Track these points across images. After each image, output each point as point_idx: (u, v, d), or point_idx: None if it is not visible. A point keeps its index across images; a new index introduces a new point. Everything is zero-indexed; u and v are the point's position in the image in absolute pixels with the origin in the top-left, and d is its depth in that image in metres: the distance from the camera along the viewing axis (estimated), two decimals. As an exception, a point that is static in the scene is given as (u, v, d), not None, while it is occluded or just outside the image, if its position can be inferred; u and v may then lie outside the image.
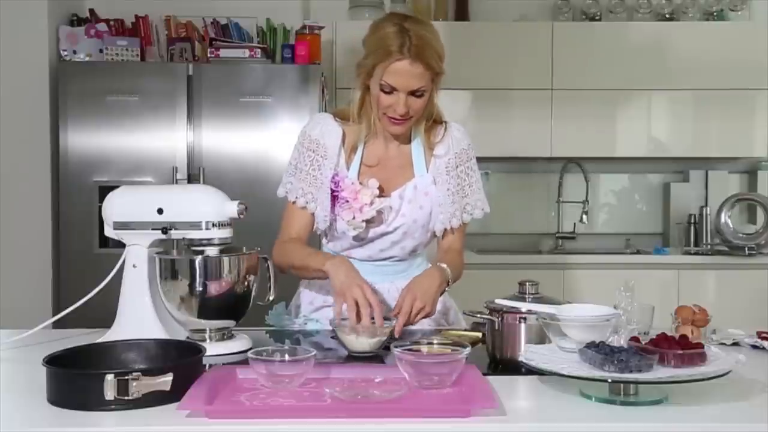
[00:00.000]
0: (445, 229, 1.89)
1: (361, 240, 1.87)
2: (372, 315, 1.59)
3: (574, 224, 4.40)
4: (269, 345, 1.37)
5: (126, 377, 1.15)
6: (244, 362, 1.34)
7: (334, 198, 1.84)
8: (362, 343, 1.56)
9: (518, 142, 4.11)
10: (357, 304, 1.61)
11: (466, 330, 1.75)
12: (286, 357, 1.30)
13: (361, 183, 1.83)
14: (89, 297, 1.60)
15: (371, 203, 1.81)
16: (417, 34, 1.72)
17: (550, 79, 4.09)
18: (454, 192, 1.88)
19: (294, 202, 1.87)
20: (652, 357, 1.21)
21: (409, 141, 1.90)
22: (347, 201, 1.82)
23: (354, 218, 1.81)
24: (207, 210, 1.59)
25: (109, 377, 1.15)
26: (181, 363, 1.29)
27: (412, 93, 1.75)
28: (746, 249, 3.96)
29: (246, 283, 1.59)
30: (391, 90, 1.75)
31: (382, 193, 1.85)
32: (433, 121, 1.90)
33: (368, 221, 1.83)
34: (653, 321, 1.59)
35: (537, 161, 4.33)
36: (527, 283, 1.53)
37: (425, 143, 1.89)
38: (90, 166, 3.51)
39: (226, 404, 1.19)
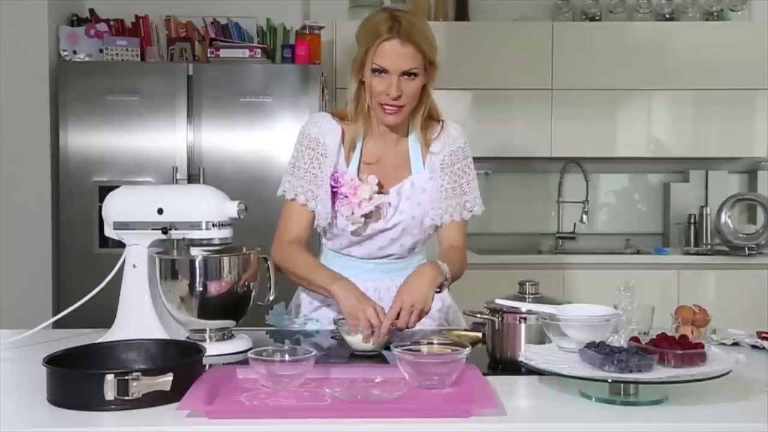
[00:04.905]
0: (437, 226, 1.89)
1: (359, 236, 1.87)
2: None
3: (574, 224, 4.40)
4: (269, 345, 1.37)
5: (126, 377, 1.15)
6: (244, 362, 1.34)
7: (334, 194, 1.84)
8: (364, 342, 1.56)
9: (518, 142, 4.11)
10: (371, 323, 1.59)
11: (466, 330, 1.75)
12: (286, 357, 1.30)
13: (360, 179, 1.84)
14: (89, 297, 1.60)
15: (370, 198, 1.81)
16: (407, 19, 1.74)
17: (550, 79, 4.09)
18: (447, 189, 1.88)
19: (293, 199, 1.86)
20: (652, 357, 1.21)
21: (406, 136, 1.90)
22: (346, 197, 1.82)
23: (353, 213, 1.81)
24: (207, 210, 1.59)
25: (109, 377, 1.15)
26: (181, 363, 1.29)
27: (404, 75, 1.74)
28: (746, 249, 3.96)
29: (246, 283, 1.59)
30: (382, 72, 1.74)
31: (381, 189, 1.85)
32: (431, 118, 1.90)
33: (367, 217, 1.83)
34: (653, 321, 1.59)
35: (537, 161, 4.33)
36: (527, 283, 1.53)
37: (422, 140, 1.89)
38: (90, 166, 3.50)
39: (226, 404, 1.20)
